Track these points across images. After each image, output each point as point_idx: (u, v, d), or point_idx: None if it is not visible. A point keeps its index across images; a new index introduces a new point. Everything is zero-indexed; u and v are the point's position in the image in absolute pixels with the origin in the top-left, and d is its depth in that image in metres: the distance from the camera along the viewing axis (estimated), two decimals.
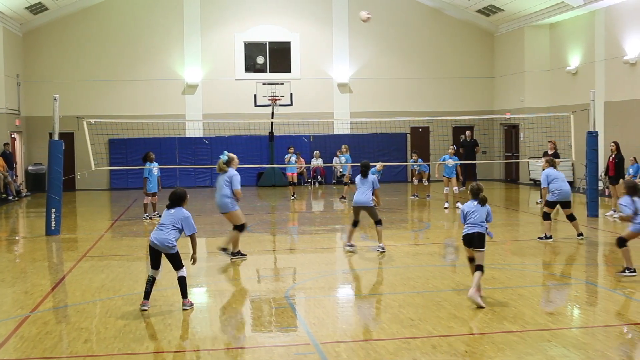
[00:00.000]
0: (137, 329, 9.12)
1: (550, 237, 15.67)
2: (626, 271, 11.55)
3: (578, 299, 10.80)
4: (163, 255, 10.12)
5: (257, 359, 8.02)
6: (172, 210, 10.21)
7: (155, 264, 10.14)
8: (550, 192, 15.75)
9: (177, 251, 10.15)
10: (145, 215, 20.66)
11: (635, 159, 23.96)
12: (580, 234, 15.85)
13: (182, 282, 10.14)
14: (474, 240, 10.33)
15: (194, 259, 10.45)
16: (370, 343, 8.45)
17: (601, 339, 8.50)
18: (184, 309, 10.03)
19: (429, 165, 27.14)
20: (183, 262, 10.22)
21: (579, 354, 7.89)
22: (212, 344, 8.57)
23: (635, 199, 11.78)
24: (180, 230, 10.16)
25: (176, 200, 10.28)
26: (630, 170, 23.89)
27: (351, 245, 14.99)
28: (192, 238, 10.35)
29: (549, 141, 24.53)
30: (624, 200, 11.89)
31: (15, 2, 28.13)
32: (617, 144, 20.27)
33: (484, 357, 7.87)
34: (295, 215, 22.64)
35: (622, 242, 11.78)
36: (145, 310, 9.99)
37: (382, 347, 8.26)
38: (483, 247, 10.34)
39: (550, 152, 23.64)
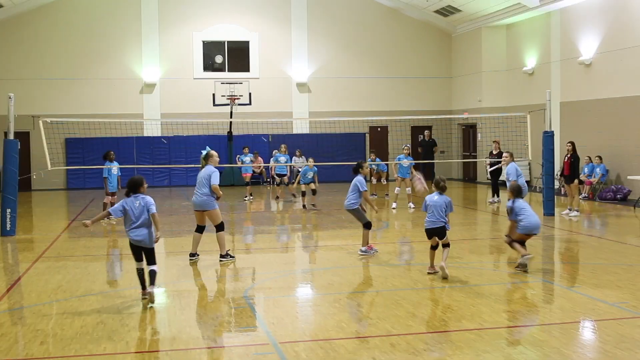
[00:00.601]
0: (94, 330, 9.02)
1: None
2: (522, 259, 12.32)
3: (535, 296, 10.91)
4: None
5: (216, 359, 7.98)
6: (137, 203, 10.32)
7: (139, 257, 10.42)
8: None
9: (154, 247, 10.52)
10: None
11: (590, 158, 24.34)
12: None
13: (153, 274, 10.40)
14: (438, 233, 11.90)
15: (157, 238, 10.50)
16: (329, 342, 8.45)
17: (557, 336, 8.60)
18: (143, 298, 10.32)
19: (387, 164, 27.23)
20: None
21: (535, 351, 7.97)
22: (170, 345, 8.51)
23: (518, 200, 12.49)
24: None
25: (135, 187, 10.42)
26: (586, 170, 24.27)
27: (366, 251, 14.39)
28: (155, 216, 10.41)
29: (494, 141, 24.77)
30: (508, 203, 12.68)
31: None
32: (573, 144, 20.51)
33: (442, 355, 7.91)
34: (254, 215, 22.59)
35: (511, 242, 12.64)
36: (146, 298, 10.28)
37: (341, 346, 8.27)
38: (444, 237, 11.95)
39: (495, 152, 23.88)
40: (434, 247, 12.08)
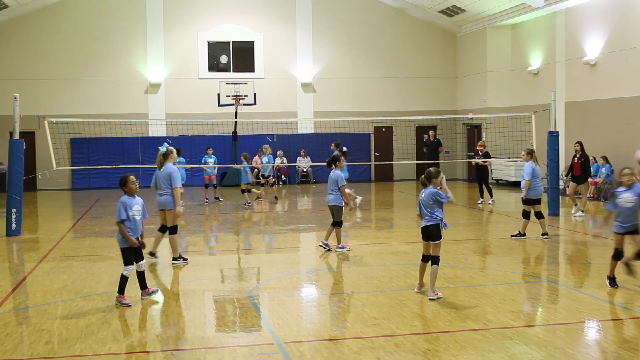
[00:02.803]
0: (99, 330, 9.04)
1: (524, 234, 15.71)
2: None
3: (539, 296, 10.91)
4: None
5: (221, 359, 7.99)
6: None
7: (138, 258, 10.59)
8: (530, 187, 15.60)
9: (122, 248, 10.47)
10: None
11: (594, 158, 24.27)
12: (545, 233, 15.76)
13: (141, 277, 10.72)
14: (431, 232, 10.46)
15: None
16: (334, 342, 8.46)
17: (562, 336, 8.59)
18: (142, 298, 10.69)
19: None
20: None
21: (540, 351, 7.97)
22: (175, 345, 8.53)
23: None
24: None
25: (120, 186, 10.71)
26: (591, 170, 24.18)
27: (326, 244, 14.68)
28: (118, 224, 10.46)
29: (480, 142, 24.64)
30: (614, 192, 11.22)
31: None
32: (581, 144, 20.47)
33: (446, 355, 7.91)
34: (256, 215, 22.58)
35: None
36: (146, 298, 10.63)
37: (345, 346, 8.27)
38: (440, 239, 10.49)
39: (481, 153, 23.78)
40: (425, 259, 10.73)
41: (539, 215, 15.76)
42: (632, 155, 23.60)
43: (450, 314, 9.58)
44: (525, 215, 15.77)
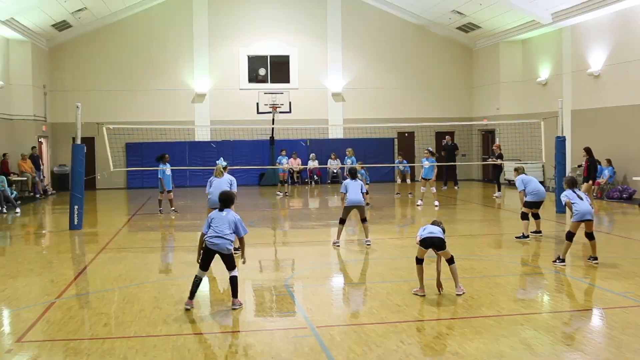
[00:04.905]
0: (151, 314, 9.11)
1: (527, 237, 15.44)
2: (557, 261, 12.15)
3: (548, 286, 10.82)
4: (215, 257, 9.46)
5: (259, 341, 8.02)
6: (224, 213, 9.53)
7: (206, 266, 9.40)
8: (528, 194, 15.49)
9: (232, 252, 9.50)
10: (160, 209, 20.84)
11: (598, 161, 24.02)
12: (538, 231, 15.52)
13: (233, 281, 9.45)
14: (435, 244, 9.84)
15: (244, 259, 9.78)
16: (361, 327, 8.46)
17: (568, 322, 8.53)
18: (233, 309, 9.33)
19: (410, 167, 27.27)
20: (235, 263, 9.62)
21: (548, 336, 7.92)
22: (219, 328, 8.58)
23: (576, 190, 12.23)
24: (233, 232, 9.48)
25: (226, 202, 9.68)
26: None
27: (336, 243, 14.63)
28: (242, 240, 9.69)
29: (495, 144, 25.00)
30: (567, 193, 12.25)
31: (42, 20, 28.06)
32: (586, 150, 20.42)
33: (463, 339, 7.88)
34: (291, 212, 22.62)
35: (569, 236, 12.12)
36: (189, 309, 9.27)
37: (372, 330, 8.27)
38: (445, 248, 9.89)
39: (496, 154, 23.99)
40: (420, 261, 9.91)
41: (536, 216, 15.58)
42: (633, 158, 23.41)
43: (467, 302, 9.53)
44: (524, 217, 15.54)
